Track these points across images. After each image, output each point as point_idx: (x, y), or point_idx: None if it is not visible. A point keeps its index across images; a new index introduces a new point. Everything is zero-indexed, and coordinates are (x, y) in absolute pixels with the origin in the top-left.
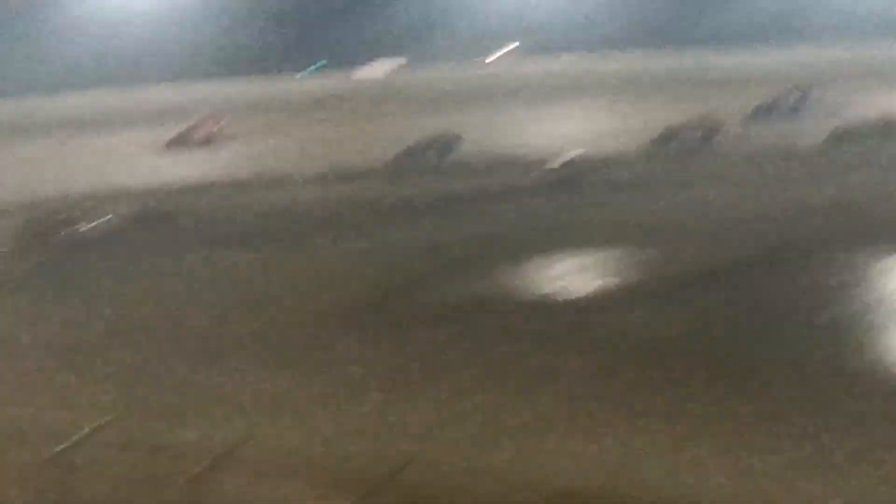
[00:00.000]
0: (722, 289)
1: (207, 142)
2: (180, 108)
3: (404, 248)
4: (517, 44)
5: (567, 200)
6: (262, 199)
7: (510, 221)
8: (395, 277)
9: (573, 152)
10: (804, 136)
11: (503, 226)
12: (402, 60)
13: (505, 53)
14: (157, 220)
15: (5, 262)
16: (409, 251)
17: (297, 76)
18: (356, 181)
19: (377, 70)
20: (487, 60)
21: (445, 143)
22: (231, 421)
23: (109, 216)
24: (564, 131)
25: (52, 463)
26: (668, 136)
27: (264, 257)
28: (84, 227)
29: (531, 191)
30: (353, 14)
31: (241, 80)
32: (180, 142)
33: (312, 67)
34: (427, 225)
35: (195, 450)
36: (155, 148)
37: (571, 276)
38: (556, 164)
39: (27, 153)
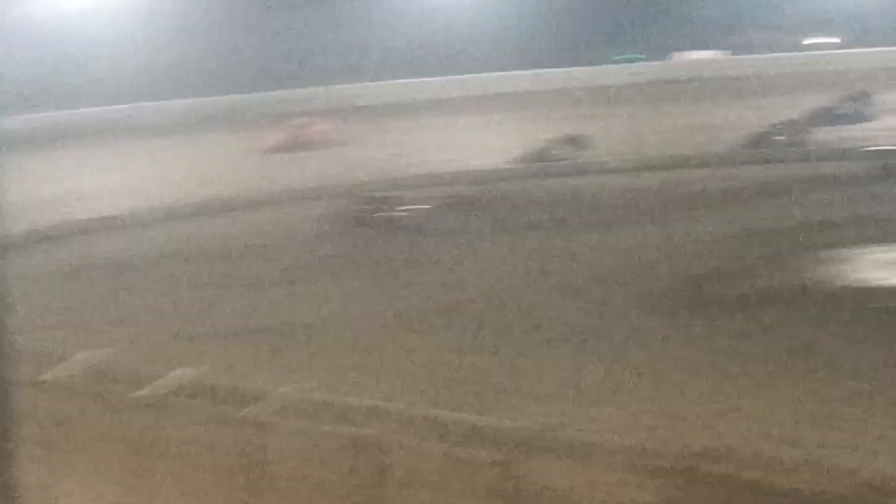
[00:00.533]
0: None
1: None
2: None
3: (719, 235)
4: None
5: None
6: (570, 184)
7: (839, 209)
8: (707, 263)
9: None
10: None
11: (830, 213)
12: (715, 52)
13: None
14: (467, 205)
15: (324, 243)
16: (725, 237)
17: (615, 64)
18: (670, 169)
19: (693, 60)
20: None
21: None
22: (535, 407)
23: (427, 206)
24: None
25: (350, 445)
26: None
27: (573, 243)
28: (400, 211)
29: (866, 180)
30: (667, 4)
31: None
32: None
33: (625, 57)
34: (747, 210)
35: (501, 436)
36: (473, 132)
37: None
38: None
39: (344, 135)
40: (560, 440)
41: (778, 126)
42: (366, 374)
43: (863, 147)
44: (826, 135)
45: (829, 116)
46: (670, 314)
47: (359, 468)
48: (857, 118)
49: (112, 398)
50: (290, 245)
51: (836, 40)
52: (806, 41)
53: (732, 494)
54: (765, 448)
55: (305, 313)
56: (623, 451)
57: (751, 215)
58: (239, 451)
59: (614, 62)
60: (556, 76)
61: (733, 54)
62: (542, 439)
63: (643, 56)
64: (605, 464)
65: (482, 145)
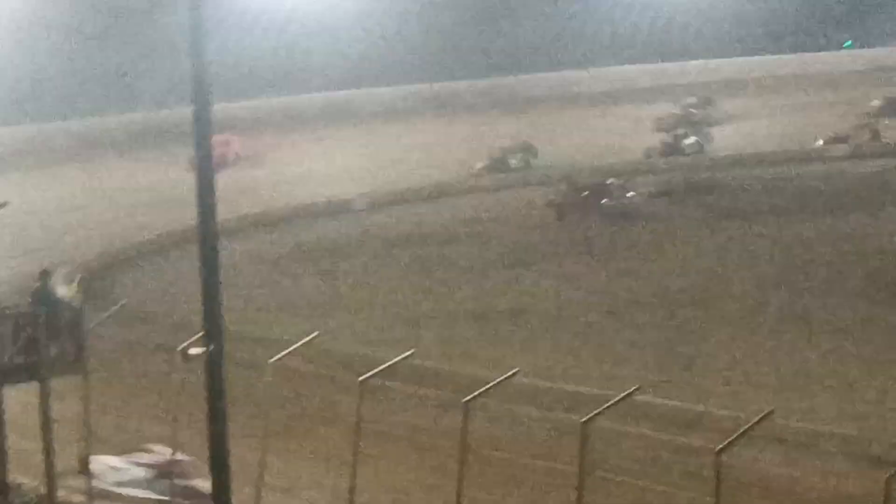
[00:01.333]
0: None
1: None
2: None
3: None
4: None
5: None
6: (796, 172)
7: None
8: None
9: None
10: None
11: None
12: None
13: None
14: (694, 191)
15: (545, 229)
16: None
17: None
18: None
19: None
20: None
21: None
22: (751, 394)
23: (640, 191)
24: None
25: (578, 429)
26: None
27: (799, 230)
28: (629, 196)
29: None
30: None
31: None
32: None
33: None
34: None
35: (722, 421)
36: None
37: None
38: None
39: (568, 121)
40: (776, 428)
41: None
42: (581, 360)
43: None
44: None
45: None
46: (878, 302)
47: (573, 453)
48: None
49: (333, 381)
50: (510, 230)
51: None
52: None
53: None
54: None
55: (524, 298)
56: (841, 441)
57: None
58: (457, 435)
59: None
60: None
61: None
62: (757, 427)
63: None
64: (824, 453)
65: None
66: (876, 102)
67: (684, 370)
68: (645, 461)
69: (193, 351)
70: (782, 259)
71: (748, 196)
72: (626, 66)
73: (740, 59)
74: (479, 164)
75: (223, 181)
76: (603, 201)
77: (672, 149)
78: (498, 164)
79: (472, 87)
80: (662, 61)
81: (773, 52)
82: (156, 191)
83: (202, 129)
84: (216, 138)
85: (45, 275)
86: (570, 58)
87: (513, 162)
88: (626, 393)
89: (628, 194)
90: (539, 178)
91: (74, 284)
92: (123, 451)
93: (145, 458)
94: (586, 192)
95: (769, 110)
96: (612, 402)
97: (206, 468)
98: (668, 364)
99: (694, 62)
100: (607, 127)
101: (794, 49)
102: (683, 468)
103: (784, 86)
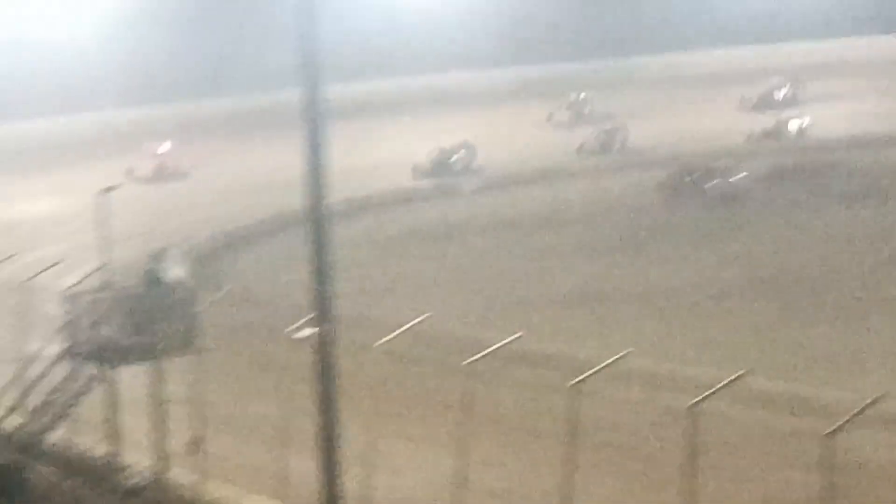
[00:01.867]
0: None
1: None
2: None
3: None
4: None
5: None
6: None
7: None
8: None
9: None
10: None
11: None
12: None
13: None
14: (800, 174)
15: (651, 211)
16: None
17: None
18: None
19: None
20: None
21: None
22: (863, 378)
23: (745, 173)
24: None
25: (686, 413)
26: None
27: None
28: (735, 179)
29: None
30: None
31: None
32: None
33: None
34: None
35: (831, 405)
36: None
37: None
38: None
39: (670, 103)
40: (888, 411)
41: None
42: (689, 344)
43: None
44: None
45: None
46: None
47: (681, 436)
48: None
49: (441, 363)
50: (617, 213)
51: None
52: None
53: None
54: None
55: (631, 282)
56: None
57: None
58: (562, 419)
59: None
60: None
61: None
62: (867, 411)
63: None
64: None
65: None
66: None
67: (792, 354)
68: (754, 445)
69: (304, 333)
70: (891, 242)
71: (855, 178)
72: (728, 48)
73: (841, 41)
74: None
75: (331, 162)
76: (709, 184)
77: (775, 131)
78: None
79: (574, 70)
80: (762, 43)
81: (871, 34)
82: (265, 173)
83: (313, 111)
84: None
85: (157, 257)
86: (672, 40)
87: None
88: (734, 376)
89: (735, 177)
90: (644, 161)
91: (186, 266)
92: (234, 432)
93: None
94: (693, 175)
95: (872, 92)
96: (719, 385)
97: None
98: (775, 347)
99: (794, 44)
100: (709, 109)
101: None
102: (793, 452)
103: (887, 67)
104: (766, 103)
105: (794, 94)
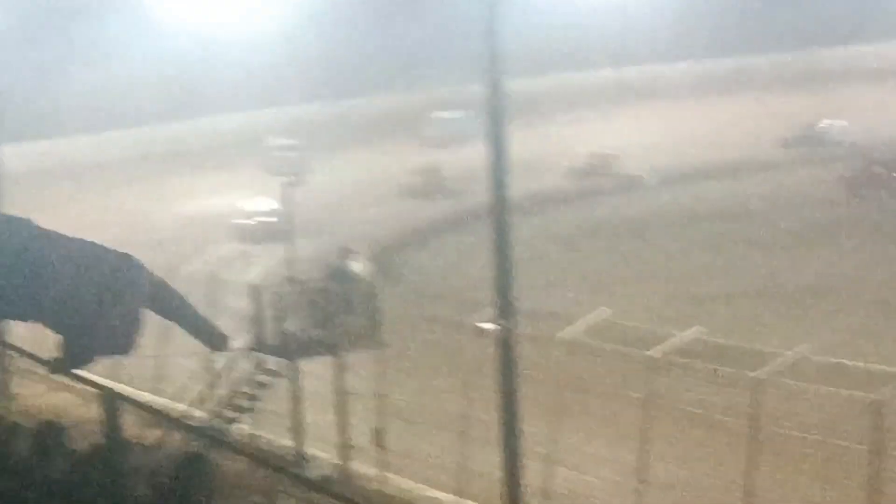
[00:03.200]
0: None
1: None
2: None
3: None
4: None
5: None
6: None
7: None
8: None
9: None
10: None
11: None
12: None
13: None
14: None
15: (835, 205)
16: None
17: None
18: None
19: None
20: None
21: None
22: None
23: None
24: None
25: (870, 407)
26: None
27: None
28: None
29: None
30: None
31: None
32: None
33: None
34: None
35: None
36: None
37: None
38: None
39: (860, 97)
40: None
41: None
42: (877, 339)
43: None
44: None
45: None
46: None
47: (863, 431)
48: None
49: (623, 357)
50: (801, 207)
51: None
52: None
53: None
54: None
55: (815, 276)
56: None
57: None
58: (741, 412)
59: None
60: None
61: None
62: None
63: None
64: None
65: None
66: None
67: None
68: None
69: (486, 326)
70: None
71: None
72: None
73: None
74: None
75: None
76: (893, 176)
77: None
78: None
79: (764, 63)
80: None
81: None
82: (442, 169)
83: (497, 105)
84: None
85: (343, 252)
86: (866, 32)
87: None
88: None
89: None
90: (830, 155)
91: (368, 262)
92: (416, 425)
93: None
94: (878, 167)
95: None
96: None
97: None
98: None
99: None
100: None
101: None
102: None
103: None
104: None
105: None
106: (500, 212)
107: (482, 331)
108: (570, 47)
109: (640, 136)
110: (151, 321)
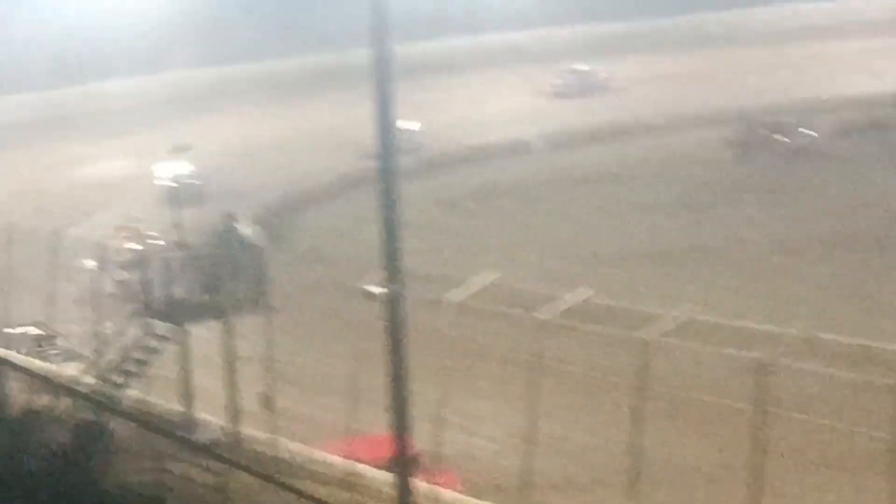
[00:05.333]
0: None
1: None
2: None
3: None
4: None
5: None
6: None
7: None
8: None
9: None
10: None
11: None
12: None
13: None
14: (869, 129)
15: (718, 168)
16: None
17: None
18: None
19: None
20: None
21: None
22: None
23: (809, 131)
24: None
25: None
26: None
27: None
28: (791, 135)
29: None
30: None
31: None
32: None
33: None
34: None
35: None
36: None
37: None
38: None
39: (741, 60)
40: None
41: None
42: (752, 298)
43: None
44: None
45: None
46: None
47: (747, 390)
48: None
49: (508, 319)
50: (687, 170)
51: None
52: None
53: None
54: None
55: (702, 238)
56: None
57: None
58: (628, 373)
59: None
60: None
61: None
62: None
63: None
64: None
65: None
66: None
67: (863, 310)
68: (822, 399)
69: (374, 289)
70: None
71: None
72: (805, 4)
73: None
74: None
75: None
76: (780, 139)
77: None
78: None
79: (646, 28)
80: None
81: None
82: (335, 133)
83: (383, 70)
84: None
85: (228, 217)
86: None
87: None
88: (798, 330)
89: (805, 132)
90: (714, 117)
91: (256, 226)
92: (305, 388)
93: None
94: (763, 131)
95: None
96: (787, 338)
97: None
98: (845, 303)
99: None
100: (781, 64)
101: None
102: (861, 405)
103: None
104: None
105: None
106: (386, 174)
107: (370, 294)
108: (455, 11)
109: (524, 100)
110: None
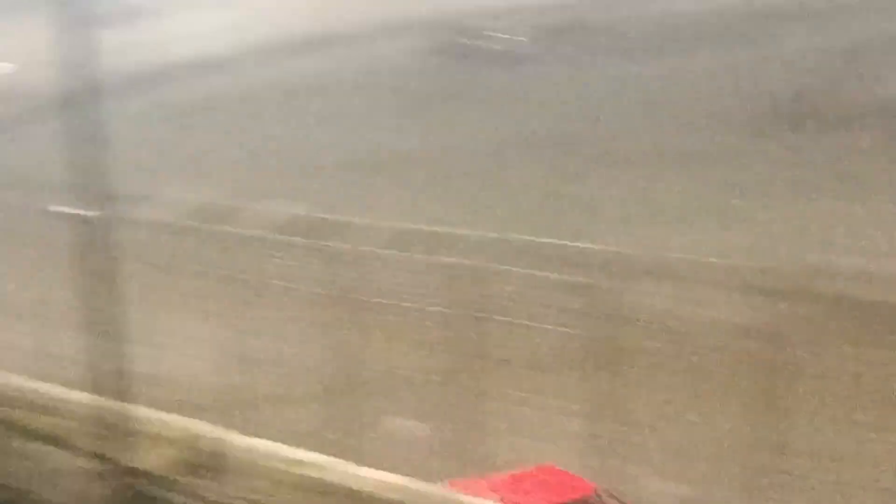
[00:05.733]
0: None
1: None
2: None
3: (803, 55)
4: None
5: None
6: (668, 9)
7: None
8: (796, 83)
9: None
10: None
11: None
12: None
13: None
14: (569, 32)
15: (418, 75)
16: (810, 57)
17: None
18: None
19: None
20: None
21: None
22: (622, 230)
23: (520, 36)
24: None
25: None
26: None
27: (666, 67)
28: (493, 40)
29: None
30: None
31: None
32: None
33: None
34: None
35: (612, 261)
36: None
37: None
38: None
39: None
40: (647, 262)
41: None
42: (459, 205)
43: None
44: None
45: None
46: (757, 133)
47: (456, 295)
48: None
49: (210, 235)
50: (383, 78)
51: None
52: None
53: (835, 310)
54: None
55: (400, 146)
56: (730, 273)
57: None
58: (337, 284)
59: None
60: None
61: None
62: (631, 261)
63: None
64: (698, 283)
65: None
66: None
67: (557, 210)
68: (524, 301)
69: (66, 210)
70: (659, 95)
71: (622, 34)
72: None
73: None
74: None
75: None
76: (483, 46)
77: None
78: None
79: None
80: None
81: None
82: (24, 55)
83: None
84: None
85: None
86: None
87: None
88: (503, 233)
89: (512, 37)
90: (410, 24)
91: None
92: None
93: None
94: (467, 37)
95: None
96: (491, 242)
97: None
98: (540, 204)
99: None
100: None
101: None
102: (566, 306)
103: None
104: None
105: None
106: (83, 93)
107: (62, 215)
108: None
109: (230, 14)
110: None
